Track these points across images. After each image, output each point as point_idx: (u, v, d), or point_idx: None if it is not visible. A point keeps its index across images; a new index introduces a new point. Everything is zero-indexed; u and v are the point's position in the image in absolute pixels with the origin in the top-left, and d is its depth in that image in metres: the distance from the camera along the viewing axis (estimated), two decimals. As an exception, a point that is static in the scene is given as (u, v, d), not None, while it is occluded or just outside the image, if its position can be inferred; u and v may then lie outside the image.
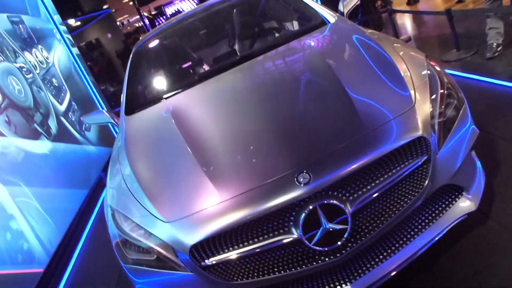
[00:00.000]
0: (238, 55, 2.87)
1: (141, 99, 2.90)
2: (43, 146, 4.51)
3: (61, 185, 4.56)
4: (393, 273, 1.75)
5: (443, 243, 1.97)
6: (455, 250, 1.99)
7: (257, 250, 1.65)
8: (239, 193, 1.68)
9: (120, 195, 2.04)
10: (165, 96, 2.74)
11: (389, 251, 1.78)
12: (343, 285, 1.74)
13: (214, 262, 1.67)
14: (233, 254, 1.66)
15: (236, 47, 3.13)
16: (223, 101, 2.34)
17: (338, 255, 1.65)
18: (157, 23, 14.77)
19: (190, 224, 1.70)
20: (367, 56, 2.23)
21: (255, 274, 1.69)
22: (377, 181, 1.67)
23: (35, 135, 4.42)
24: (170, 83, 3.00)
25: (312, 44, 2.59)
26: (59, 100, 5.46)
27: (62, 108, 5.43)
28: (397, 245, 1.79)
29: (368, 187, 1.66)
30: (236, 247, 1.67)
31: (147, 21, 16.06)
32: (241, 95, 2.27)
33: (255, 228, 1.65)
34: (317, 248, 1.63)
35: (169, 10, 16.07)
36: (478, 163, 2.05)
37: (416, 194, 1.72)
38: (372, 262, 1.77)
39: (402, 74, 2.01)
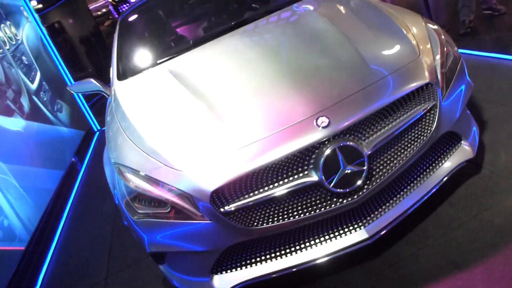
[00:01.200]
0: (234, 19, 2.87)
1: (134, 65, 2.84)
2: (17, 123, 4.33)
3: (37, 164, 4.40)
4: (404, 216, 1.83)
5: (442, 193, 2.08)
6: (454, 198, 2.09)
7: (278, 194, 1.68)
8: (258, 138, 1.70)
9: (126, 152, 2.00)
10: (160, 60, 2.70)
11: (398, 196, 1.87)
12: (357, 229, 1.81)
13: (234, 208, 1.69)
14: (253, 199, 1.68)
15: (230, 12, 3.13)
16: (229, 58, 2.33)
17: (355, 197, 1.71)
18: (121, 10, 14.45)
19: (209, 170, 1.70)
20: (366, 14, 2.31)
21: (275, 218, 1.72)
22: (389, 125, 1.75)
23: (8, 112, 4.24)
24: (164, 48, 2.95)
25: (310, 6, 2.64)
26: (30, 78, 5.24)
27: (33, 86, 5.22)
28: (406, 189, 1.88)
29: (382, 130, 1.74)
30: (256, 192, 1.69)
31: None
32: (247, 52, 2.28)
33: (275, 172, 1.68)
34: (336, 190, 1.68)
35: (132, -3, 15.76)
36: (471, 116, 2.18)
37: (425, 138, 1.81)
38: (383, 207, 1.84)
39: (403, 29, 2.09)
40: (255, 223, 1.72)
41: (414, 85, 1.78)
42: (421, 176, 1.92)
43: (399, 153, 1.79)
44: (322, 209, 1.71)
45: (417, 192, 1.87)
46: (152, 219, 1.85)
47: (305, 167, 1.68)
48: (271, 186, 1.69)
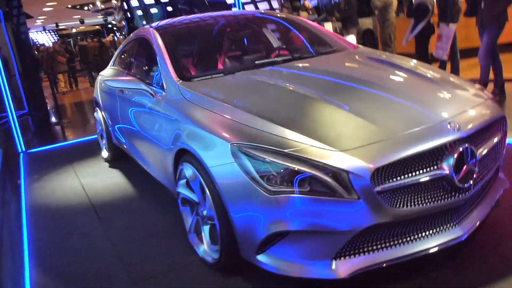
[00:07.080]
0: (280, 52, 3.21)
1: (194, 71, 2.88)
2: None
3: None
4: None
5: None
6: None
7: (419, 180, 1.92)
8: (416, 128, 2.00)
9: (252, 135, 2.07)
10: (228, 71, 2.82)
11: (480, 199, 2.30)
12: (453, 227, 2.11)
13: (388, 187, 1.86)
14: (402, 182, 1.89)
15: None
16: (321, 81, 2.65)
17: (466, 193, 2.04)
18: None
19: (371, 151, 1.89)
20: (418, 69, 2.84)
21: (412, 203, 1.94)
22: (487, 143, 2.22)
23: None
24: (225, 62, 3.07)
25: (364, 59, 3.13)
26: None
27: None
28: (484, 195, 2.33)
29: (485, 143, 2.19)
30: (403, 176, 1.91)
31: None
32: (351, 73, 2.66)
33: (419, 161, 1.93)
34: (460, 185, 1.99)
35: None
36: None
37: (500, 154, 2.34)
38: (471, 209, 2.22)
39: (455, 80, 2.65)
40: (397, 205, 1.91)
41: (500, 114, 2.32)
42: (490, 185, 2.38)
43: (489, 163, 2.25)
44: (445, 200, 1.99)
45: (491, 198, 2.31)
46: (287, 196, 1.89)
47: (438, 161, 1.96)
48: (414, 173, 1.92)
